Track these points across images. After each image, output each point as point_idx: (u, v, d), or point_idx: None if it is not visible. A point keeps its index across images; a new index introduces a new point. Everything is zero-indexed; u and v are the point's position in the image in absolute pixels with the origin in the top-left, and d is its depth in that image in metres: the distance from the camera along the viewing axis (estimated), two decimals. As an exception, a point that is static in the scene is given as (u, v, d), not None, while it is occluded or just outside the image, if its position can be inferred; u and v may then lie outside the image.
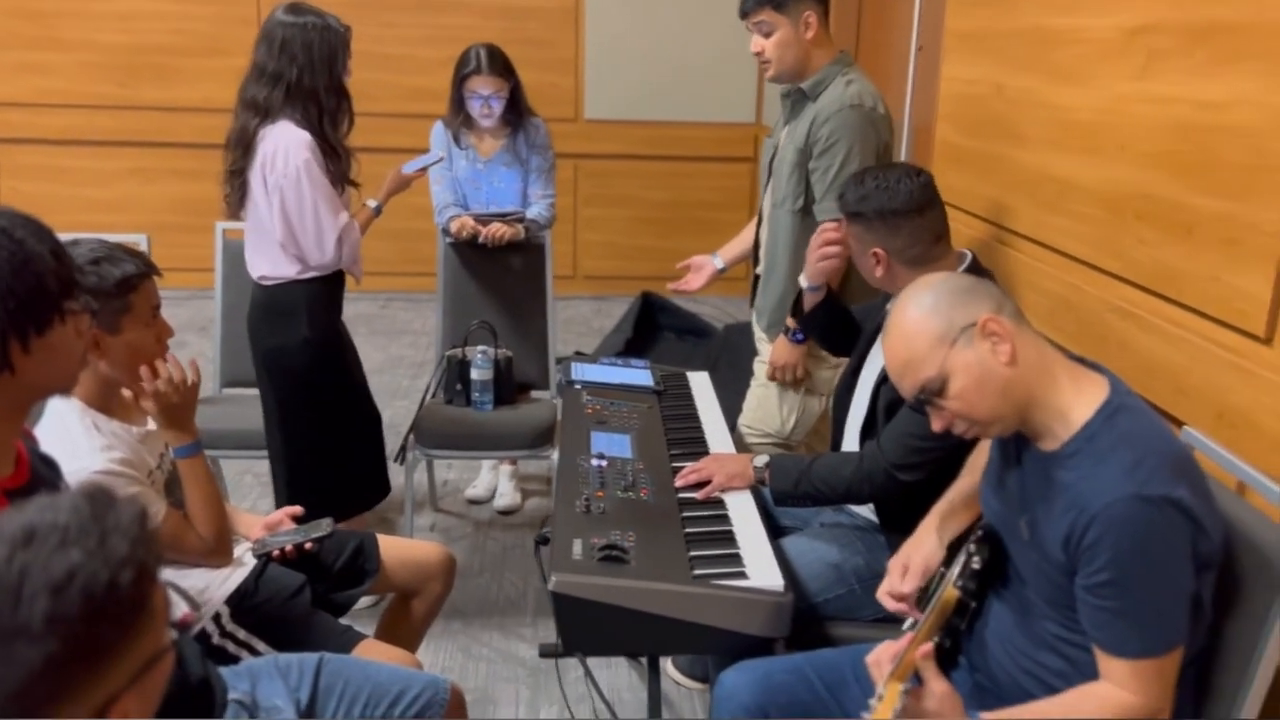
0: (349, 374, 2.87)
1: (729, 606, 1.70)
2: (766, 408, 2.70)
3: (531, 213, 3.30)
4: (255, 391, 2.89)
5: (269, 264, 2.70)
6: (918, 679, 1.39)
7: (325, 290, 2.75)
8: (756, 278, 2.87)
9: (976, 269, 2.09)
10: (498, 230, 3.18)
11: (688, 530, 1.90)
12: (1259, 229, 1.75)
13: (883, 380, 2.04)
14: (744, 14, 2.64)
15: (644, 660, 2.15)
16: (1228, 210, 1.84)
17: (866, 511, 2.12)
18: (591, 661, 2.59)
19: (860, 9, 4.91)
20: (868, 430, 2.08)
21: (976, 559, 1.58)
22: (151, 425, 1.88)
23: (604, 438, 2.27)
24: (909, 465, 1.92)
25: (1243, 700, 1.45)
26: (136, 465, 1.79)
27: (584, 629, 1.71)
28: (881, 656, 1.45)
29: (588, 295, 6.47)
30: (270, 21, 2.63)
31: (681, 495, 2.04)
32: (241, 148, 2.66)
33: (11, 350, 1.24)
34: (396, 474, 3.07)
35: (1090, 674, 1.44)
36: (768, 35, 2.59)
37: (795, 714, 1.64)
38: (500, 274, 3.34)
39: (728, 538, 1.90)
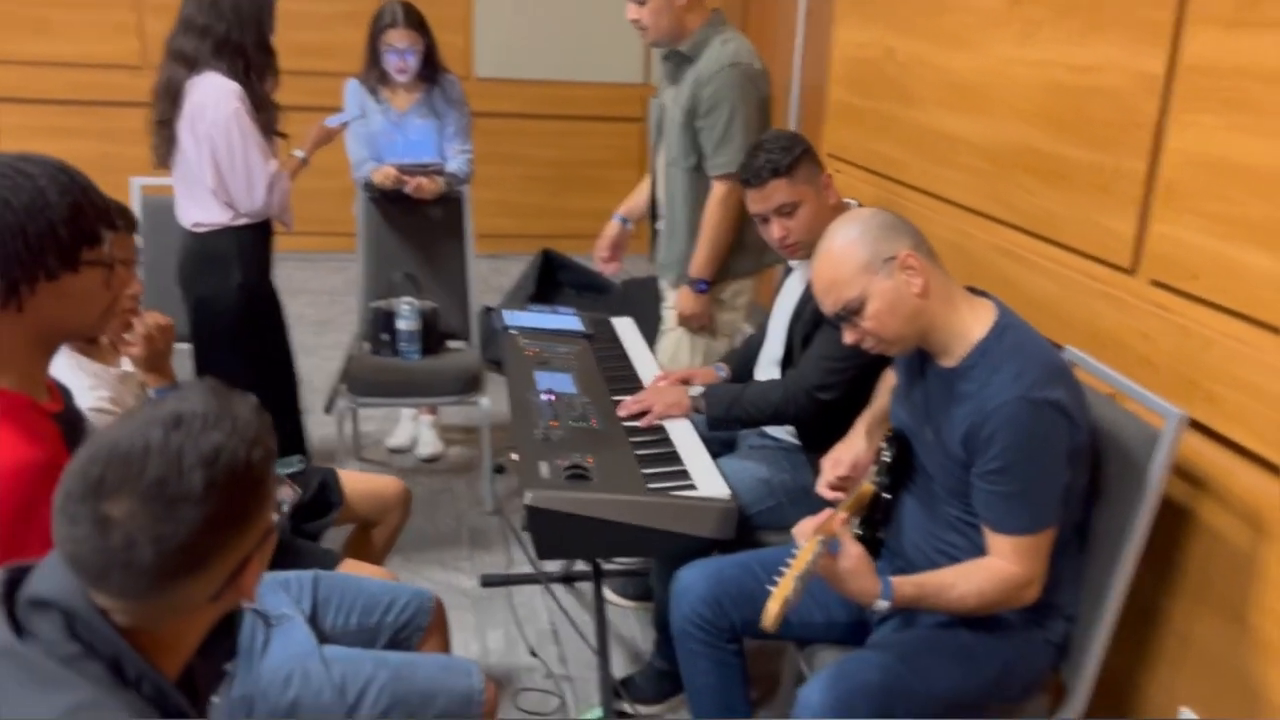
0: (280, 328, 2.96)
1: (683, 513, 1.92)
2: (678, 353, 2.89)
3: (451, 167, 3.42)
4: (186, 347, 2.94)
5: (201, 210, 2.77)
6: (837, 545, 1.62)
7: (257, 238, 2.84)
8: (655, 233, 3.05)
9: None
10: (424, 184, 3.30)
11: (638, 452, 2.11)
12: (1124, 176, 2.04)
13: (796, 317, 2.28)
14: None
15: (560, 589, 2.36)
16: (1098, 161, 2.13)
17: (788, 434, 2.36)
18: (524, 592, 2.80)
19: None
20: (786, 362, 2.32)
21: (887, 454, 1.83)
22: (126, 367, 1.97)
23: (547, 376, 2.45)
24: (827, 385, 2.17)
25: (1117, 568, 1.75)
26: (120, 404, 1.88)
27: (556, 538, 1.90)
28: (805, 525, 1.67)
29: (483, 254, 6.51)
30: None
31: (626, 424, 2.24)
32: (169, 99, 2.71)
33: (20, 290, 1.33)
34: (317, 428, 3.17)
35: (986, 550, 1.70)
36: (642, 2, 2.69)
37: (744, 601, 1.88)
38: (420, 227, 3.45)
39: (674, 457, 2.11)
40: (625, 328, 2.94)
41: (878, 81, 3.19)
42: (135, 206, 3.30)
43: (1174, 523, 1.86)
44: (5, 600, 0.96)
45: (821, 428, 2.23)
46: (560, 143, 6.62)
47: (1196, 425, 1.79)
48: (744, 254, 2.81)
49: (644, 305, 4.65)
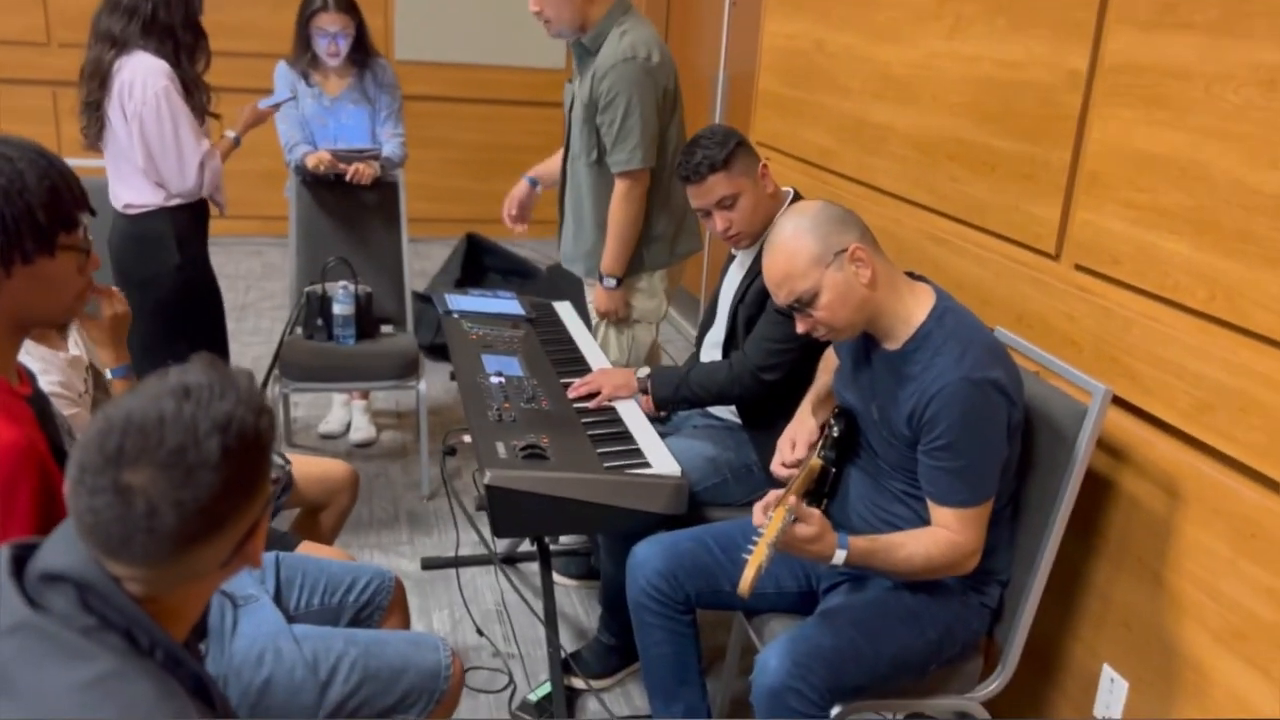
0: (217, 311, 2.93)
1: (637, 490, 1.98)
2: (605, 343, 2.88)
3: (385, 151, 3.41)
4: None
5: (133, 192, 2.73)
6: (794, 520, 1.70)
7: (191, 219, 2.81)
8: (562, 221, 3.00)
9: (800, 200, 2.41)
10: (363, 170, 3.28)
11: (590, 432, 2.16)
12: (1050, 166, 2.16)
13: (739, 300, 2.35)
14: None
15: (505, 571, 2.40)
16: (1025, 151, 2.24)
17: (730, 414, 2.44)
18: (465, 574, 2.81)
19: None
20: (729, 345, 2.39)
21: (835, 429, 1.92)
22: (74, 350, 1.95)
23: (494, 359, 2.48)
24: (770, 366, 2.25)
25: (1047, 535, 1.87)
26: (69, 388, 1.87)
27: (514, 517, 1.94)
28: (766, 500, 1.73)
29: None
30: None
31: (576, 405, 2.29)
32: (97, 79, 2.66)
33: (15, 267, 1.32)
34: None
35: (929, 522, 1.80)
36: None
37: (698, 574, 1.95)
38: (353, 211, 3.43)
39: (625, 436, 2.17)
40: (566, 311, 2.98)
41: (808, 72, 3.28)
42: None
43: (1096, 491, 1.99)
44: (14, 575, 0.97)
45: (763, 407, 2.31)
46: (482, 127, 6.60)
47: (1117, 400, 1.92)
48: (654, 245, 2.81)
49: (570, 290, 4.70)
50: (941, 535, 1.76)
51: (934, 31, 2.58)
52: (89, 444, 0.95)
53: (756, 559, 1.49)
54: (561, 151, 2.96)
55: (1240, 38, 1.71)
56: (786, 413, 2.24)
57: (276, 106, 3.02)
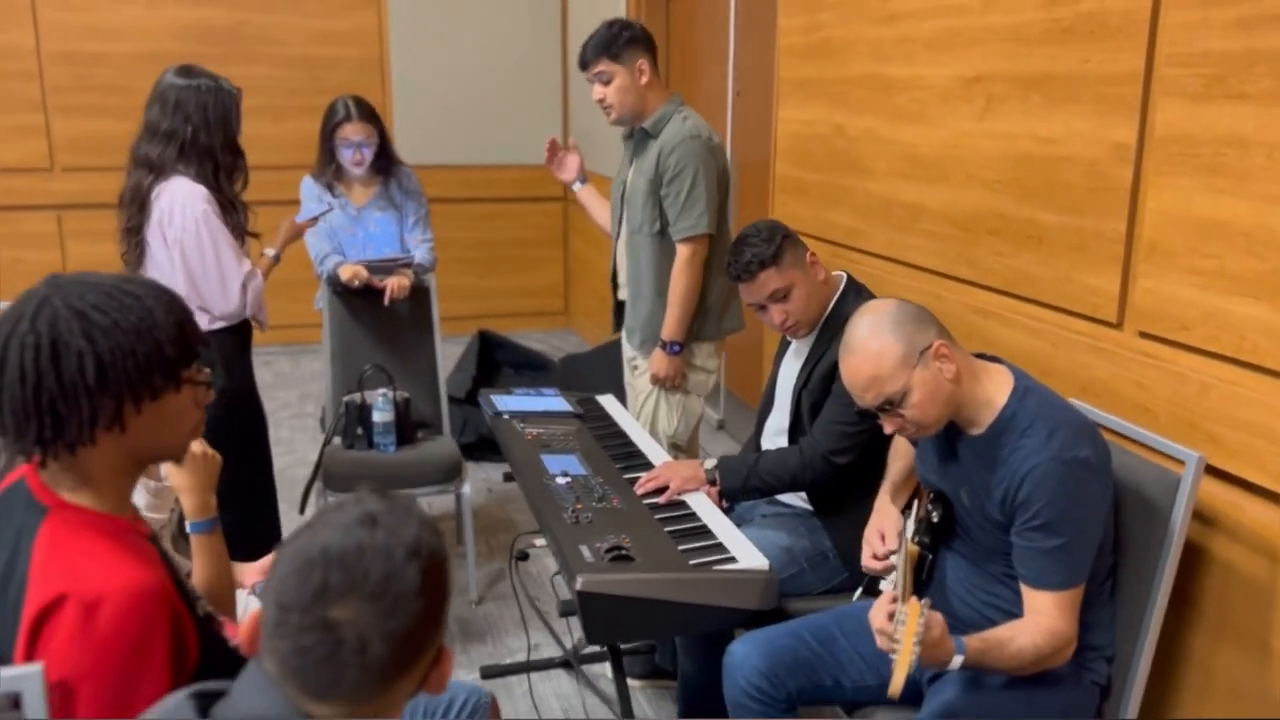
0: (262, 430, 2.91)
1: (728, 586, 1.95)
2: (657, 413, 2.96)
3: (416, 257, 3.43)
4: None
5: (174, 317, 2.71)
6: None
7: (235, 340, 2.80)
8: (619, 304, 3.13)
9: (854, 285, 2.43)
10: (402, 285, 3.31)
11: (668, 529, 2.13)
12: (1103, 237, 2.19)
13: (802, 386, 2.36)
14: (584, 65, 2.92)
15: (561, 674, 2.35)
16: (1073, 223, 2.28)
17: (800, 500, 2.42)
18: (526, 681, 2.75)
19: (668, 59, 5.31)
20: (794, 431, 2.39)
21: (934, 514, 1.91)
22: (165, 481, 1.91)
23: (554, 459, 2.46)
24: (842, 449, 2.24)
25: (1150, 608, 1.85)
26: (158, 512, 1.83)
27: (607, 621, 1.90)
28: (882, 607, 1.71)
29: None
30: (162, 84, 2.67)
31: (647, 501, 2.27)
32: (136, 204, 2.67)
33: (125, 410, 1.31)
34: (288, 526, 3.10)
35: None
36: (607, 83, 2.88)
37: (799, 670, 1.91)
38: (385, 318, 3.43)
39: (705, 531, 2.14)
40: (610, 404, 2.97)
41: (827, 155, 3.34)
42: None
43: (1187, 559, 1.98)
44: None
45: (835, 491, 2.30)
46: (484, 225, 6.67)
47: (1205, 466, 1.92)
48: (705, 318, 2.92)
49: (582, 379, 4.70)
50: (1044, 624, 1.73)
51: (963, 113, 2.64)
52: (287, 582, 0.93)
53: (905, 659, 1.46)
54: (616, 233, 3.09)
55: (1299, 105, 1.75)
56: (858, 497, 2.24)
57: (314, 220, 3.04)
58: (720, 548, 2.06)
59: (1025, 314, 2.44)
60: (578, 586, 1.87)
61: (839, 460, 2.24)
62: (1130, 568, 1.89)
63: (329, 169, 3.39)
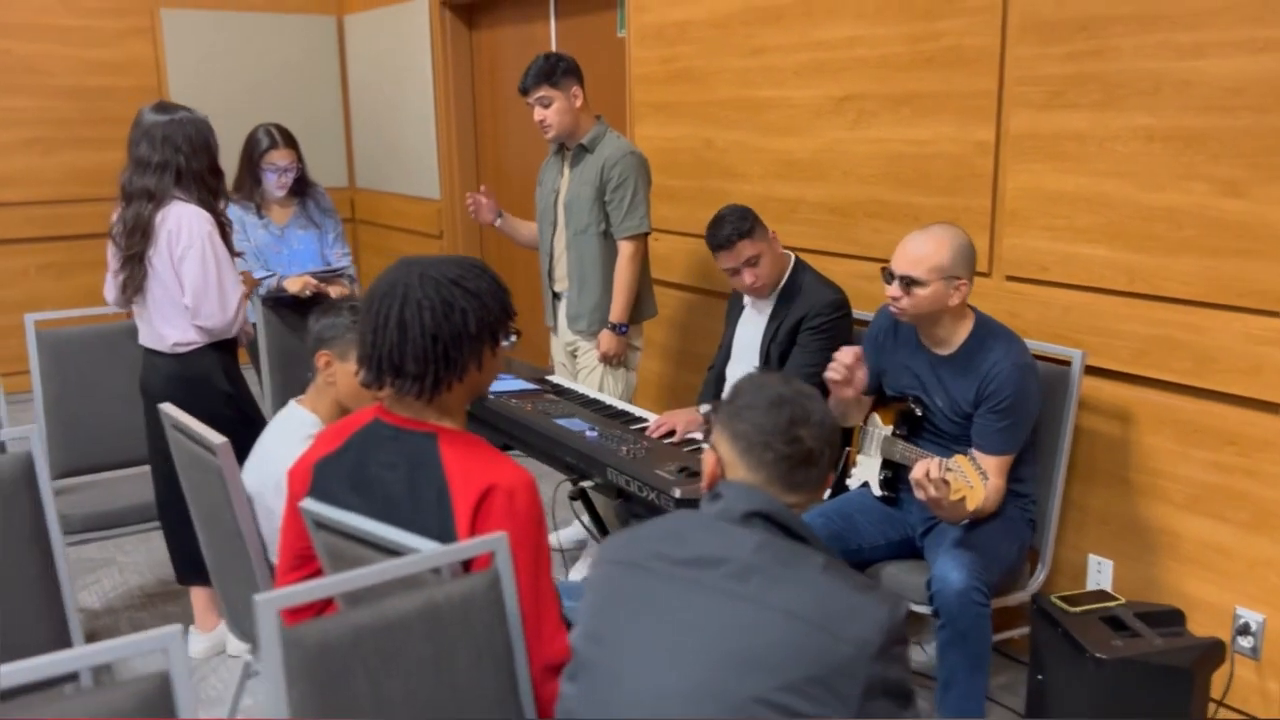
0: (264, 425, 3.11)
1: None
2: (603, 386, 3.46)
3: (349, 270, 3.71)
4: (107, 475, 3.09)
5: (179, 331, 2.88)
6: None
7: (229, 354, 3.00)
8: (554, 295, 3.62)
9: (801, 262, 3.10)
10: (343, 292, 3.57)
11: (700, 456, 2.67)
12: (971, 210, 2.99)
13: (770, 340, 2.98)
14: (525, 91, 3.41)
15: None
16: (945, 203, 3.07)
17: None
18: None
19: (473, 86, 5.75)
20: (764, 376, 3.01)
21: (917, 409, 2.58)
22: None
23: (567, 421, 2.92)
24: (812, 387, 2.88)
25: (1058, 465, 2.64)
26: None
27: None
28: (921, 468, 2.30)
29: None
30: (145, 122, 2.85)
31: (666, 441, 2.80)
32: (138, 233, 2.82)
33: (484, 353, 1.71)
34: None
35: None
36: (547, 107, 3.37)
37: (832, 541, 2.52)
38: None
39: (728, 455, 2.71)
40: (563, 380, 3.45)
41: (696, 165, 3.98)
42: (30, 343, 3.22)
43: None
44: (721, 519, 1.42)
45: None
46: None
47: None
48: (638, 304, 3.47)
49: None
50: (991, 482, 2.46)
51: (835, 124, 3.38)
52: (765, 416, 1.43)
53: (979, 487, 2.10)
54: (550, 235, 3.56)
55: (1119, 111, 2.61)
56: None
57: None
58: (750, 463, 2.64)
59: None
60: (677, 495, 2.37)
61: (809, 393, 2.88)
62: (1043, 438, 2.67)
63: (256, 192, 3.59)
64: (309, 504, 1.71)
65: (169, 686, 1.22)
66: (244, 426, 2.95)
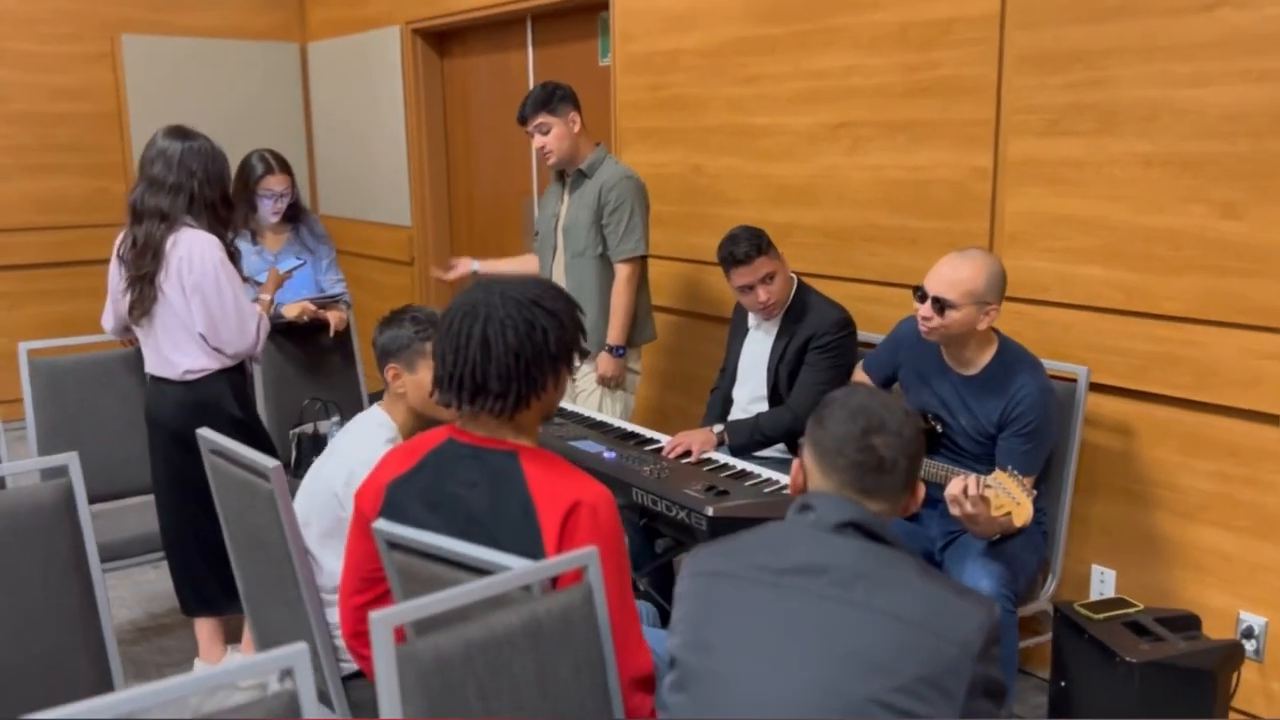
0: (273, 450, 3.08)
1: (789, 500, 2.57)
2: (602, 407, 3.50)
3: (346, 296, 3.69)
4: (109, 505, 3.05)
5: (190, 359, 2.85)
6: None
7: (239, 378, 2.97)
8: None
9: (803, 284, 3.16)
10: (342, 318, 3.56)
11: (722, 474, 2.72)
12: (970, 234, 3.09)
13: (779, 360, 3.04)
14: (523, 120, 3.45)
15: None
16: (943, 227, 3.17)
17: (777, 452, 3.08)
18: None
19: (446, 113, 5.77)
20: (773, 395, 3.06)
21: (938, 426, 2.65)
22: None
23: (584, 444, 2.94)
24: (803, 402, 2.95)
25: (1066, 480, 2.73)
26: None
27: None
28: (957, 484, 2.36)
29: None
30: (161, 143, 2.84)
31: (684, 461, 2.83)
32: (149, 254, 2.79)
33: (561, 373, 1.74)
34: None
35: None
36: (546, 134, 3.43)
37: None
38: (314, 354, 3.65)
39: (746, 473, 2.75)
40: (562, 404, 3.47)
41: (685, 190, 4.05)
42: (23, 371, 3.15)
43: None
44: (820, 528, 1.46)
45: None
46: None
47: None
48: (635, 327, 3.52)
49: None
50: None
51: (831, 151, 3.47)
52: (841, 427, 1.47)
53: (1025, 501, 2.16)
54: (549, 258, 3.60)
55: (1117, 137, 2.73)
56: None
57: (290, 272, 3.27)
58: (769, 480, 2.68)
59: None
60: (710, 513, 2.41)
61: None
62: (1051, 451, 2.76)
63: (250, 219, 3.57)
64: (383, 524, 1.71)
65: (297, 705, 1.22)
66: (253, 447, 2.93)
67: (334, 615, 2.04)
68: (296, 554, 2.01)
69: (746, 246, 2.95)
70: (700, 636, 1.45)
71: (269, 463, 1.98)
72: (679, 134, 4.05)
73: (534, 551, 1.60)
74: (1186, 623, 2.38)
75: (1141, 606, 2.46)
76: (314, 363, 3.65)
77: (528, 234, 5.36)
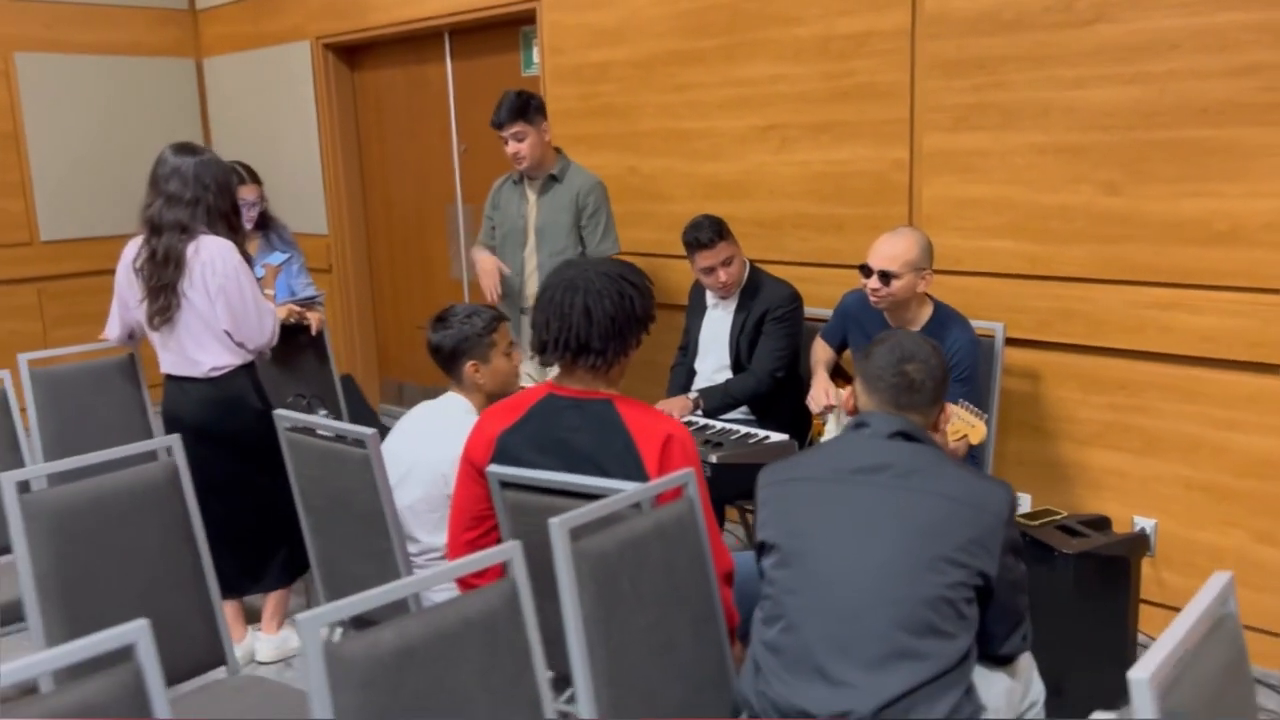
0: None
1: (772, 449, 2.99)
2: None
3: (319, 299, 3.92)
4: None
5: (214, 356, 3.06)
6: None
7: (254, 373, 3.20)
8: (521, 310, 3.95)
9: (755, 267, 3.60)
10: (321, 318, 3.78)
11: (707, 433, 3.12)
12: (890, 218, 3.59)
13: (740, 333, 3.47)
14: (499, 125, 3.76)
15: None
16: (866, 213, 3.66)
17: (742, 414, 3.50)
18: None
19: (358, 125, 5.97)
20: (736, 365, 3.48)
21: None
22: None
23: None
24: (779, 368, 3.39)
25: (991, 419, 3.26)
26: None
27: (728, 482, 2.85)
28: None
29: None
30: (173, 159, 3.05)
31: (669, 424, 3.22)
32: (171, 264, 3.00)
33: (640, 335, 2.10)
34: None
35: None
36: (521, 140, 3.72)
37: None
38: (292, 353, 3.86)
39: (725, 429, 3.16)
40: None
41: (620, 190, 4.41)
42: (24, 381, 3.28)
43: (984, 393, 3.43)
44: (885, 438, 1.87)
45: (772, 402, 3.44)
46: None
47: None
48: None
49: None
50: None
51: (760, 150, 3.92)
52: (882, 359, 1.89)
53: (978, 424, 2.63)
54: (512, 255, 3.88)
55: (1016, 131, 3.27)
56: (781, 404, 3.40)
57: (281, 265, 3.48)
58: (750, 434, 3.11)
59: (835, 275, 3.78)
60: (713, 460, 2.81)
61: (779, 375, 3.39)
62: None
63: (222, 229, 3.75)
64: (497, 468, 2.04)
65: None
66: (271, 438, 3.16)
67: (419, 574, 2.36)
68: (389, 510, 2.30)
69: (710, 233, 3.37)
70: (795, 526, 1.84)
71: (366, 431, 2.27)
72: (612, 139, 4.44)
73: (638, 478, 1.96)
74: (1101, 523, 2.92)
75: (1066, 514, 2.99)
76: (292, 361, 3.85)
77: (453, 238, 5.64)
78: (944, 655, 1.71)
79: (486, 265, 3.83)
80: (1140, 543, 2.86)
